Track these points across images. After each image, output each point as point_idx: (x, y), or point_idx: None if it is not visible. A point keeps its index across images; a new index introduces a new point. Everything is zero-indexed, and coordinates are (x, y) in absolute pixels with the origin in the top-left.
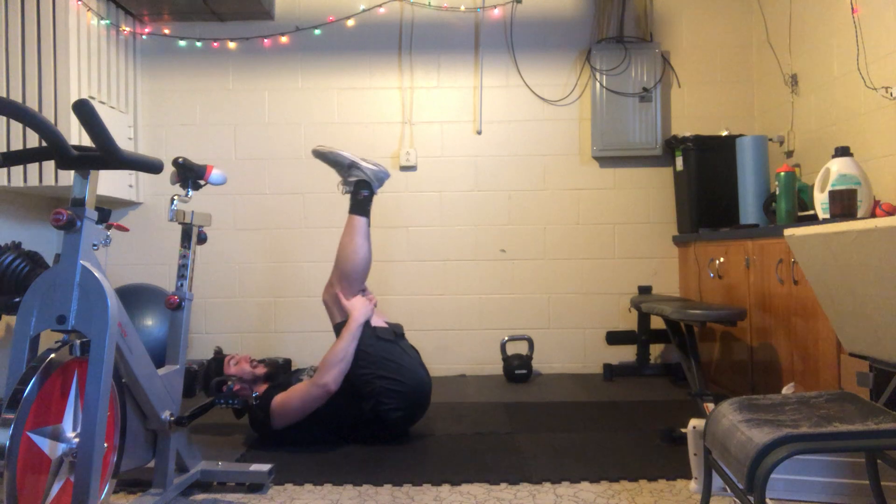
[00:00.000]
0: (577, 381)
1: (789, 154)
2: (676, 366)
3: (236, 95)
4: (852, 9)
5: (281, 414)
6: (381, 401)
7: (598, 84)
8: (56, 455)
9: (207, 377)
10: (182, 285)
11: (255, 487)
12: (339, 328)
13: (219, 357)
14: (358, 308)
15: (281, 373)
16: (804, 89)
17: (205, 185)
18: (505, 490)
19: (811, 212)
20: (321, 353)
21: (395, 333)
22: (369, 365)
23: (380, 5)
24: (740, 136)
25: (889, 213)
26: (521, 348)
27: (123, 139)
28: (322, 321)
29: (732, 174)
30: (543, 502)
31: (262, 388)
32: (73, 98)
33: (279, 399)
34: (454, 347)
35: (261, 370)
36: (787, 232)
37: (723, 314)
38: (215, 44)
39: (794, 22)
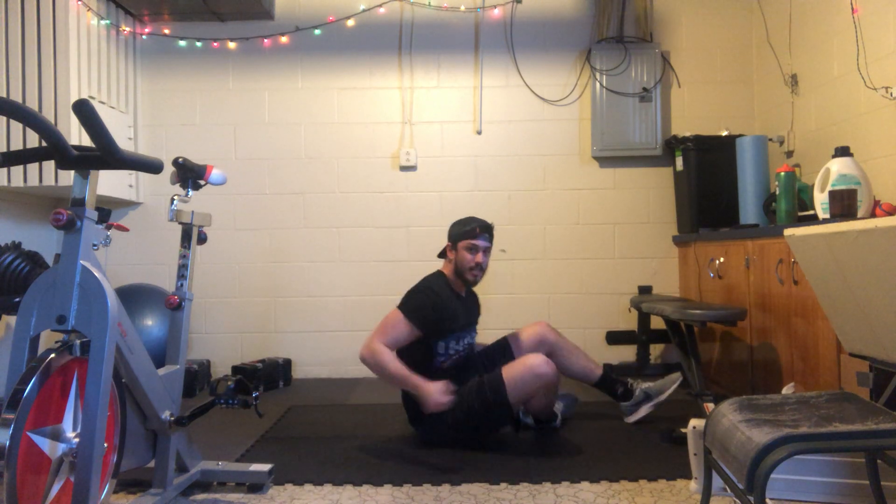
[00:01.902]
0: (577, 381)
1: (789, 154)
2: (676, 366)
3: (236, 95)
4: (852, 9)
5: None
6: None
7: (598, 84)
8: (56, 455)
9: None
10: (182, 285)
11: (255, 487)
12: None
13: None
14: (433, 398)
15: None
16: (804, 89)
17: (205, 185)
18: (505, 490)
19: (811, 212)
20: (321, 353)
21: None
22: None
23: (380, 5)
24: (740, 136)
25: (889, 213)
26: None
27: (123, 139)
28: (322, 321)
29: (732, 174)
30: (543, 502)
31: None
32: (73, 98)
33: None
34: None
35: None
36: (787, 232)
37: (723, 314)
38: (215, 44)
39: (794, 22)
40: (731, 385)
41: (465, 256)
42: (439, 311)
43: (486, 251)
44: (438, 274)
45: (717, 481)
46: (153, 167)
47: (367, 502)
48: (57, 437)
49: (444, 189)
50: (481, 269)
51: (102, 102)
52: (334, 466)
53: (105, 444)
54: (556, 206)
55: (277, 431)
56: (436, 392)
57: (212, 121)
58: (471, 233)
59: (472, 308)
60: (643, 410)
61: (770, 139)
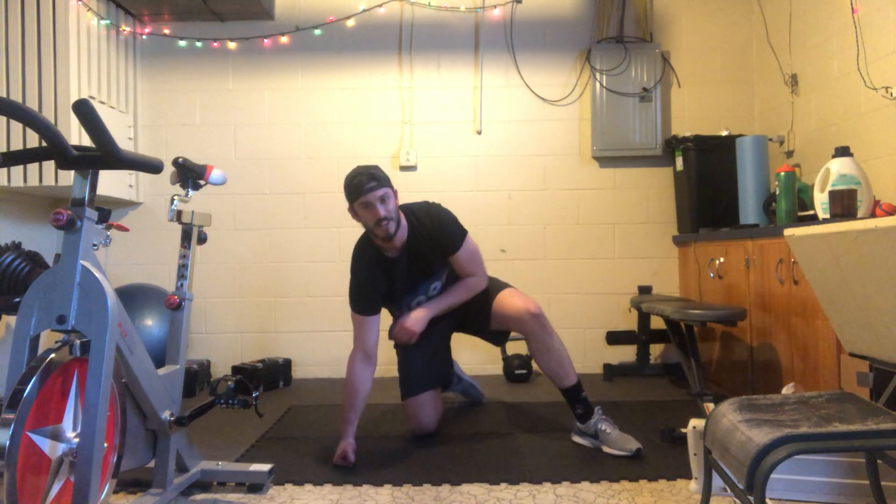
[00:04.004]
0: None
1: (789, 154)
2: (676, 366)
3: (236, 95)
4: (852, 9)
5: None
6: None
7: (598, 84)
8: (56, 455)
9: None
10: (182, 285)
11: (255, 487)
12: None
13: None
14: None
15: None
16: (804, 89)
17: (205, 185)
18: (505, 490)
19: (811, 212)
20: (321, 353)
21: None
22: None
23: (380, 5)
24: (740, 136)
25: (889, 213)
26: (521, 348)
27: (123, 139)
28: (322, 321)
29: (732, 174)
30: (543, 502)
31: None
32: (73, 98)
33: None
34: (454, 347)
35: None
36: (787, 232)
37: (723, 314)
38: (215, 44)
39: (794, 22)
40: (731, 385)
41: (363, 216)
42: (371, 290)
43: (383, 199)
44: (365, 237)
45: (717, 481)
46: (153, 167)
47: (367, 502)
48: (57, 437)
49: (444, 189)
50: (387, 219)
51: (102, 102)
52: (334, 466)
53: (105, 444)
54: (556, 206)
55: (277, 431)
56: (339, 455)
57: (212, 121)
58: (355, 192)
59: (418, 263)
60: (586, 441)
61: (770, 139)
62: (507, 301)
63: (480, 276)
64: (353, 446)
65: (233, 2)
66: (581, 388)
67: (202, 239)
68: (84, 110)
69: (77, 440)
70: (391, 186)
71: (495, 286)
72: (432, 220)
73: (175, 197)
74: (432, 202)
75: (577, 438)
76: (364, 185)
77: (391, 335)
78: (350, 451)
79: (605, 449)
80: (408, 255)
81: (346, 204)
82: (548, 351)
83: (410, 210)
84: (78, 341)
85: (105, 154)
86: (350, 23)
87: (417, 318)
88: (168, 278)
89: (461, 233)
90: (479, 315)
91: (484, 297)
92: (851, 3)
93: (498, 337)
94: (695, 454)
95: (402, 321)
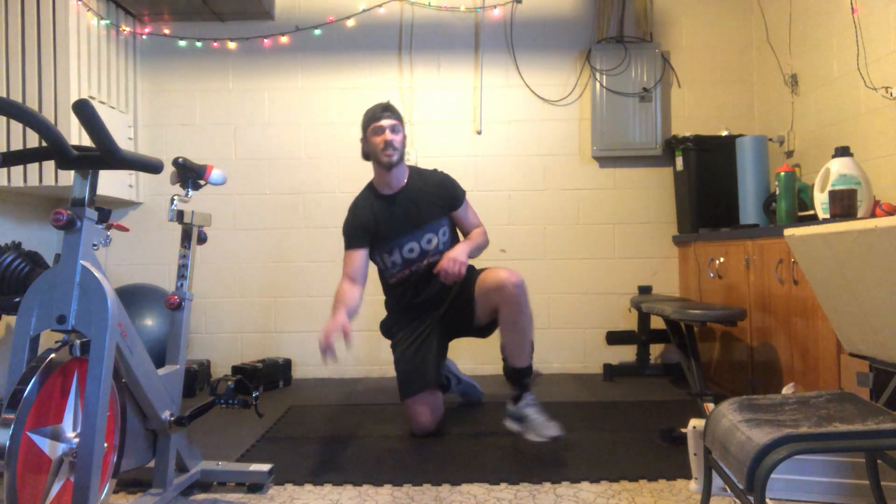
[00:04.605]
0: (577, 381)
1: (789, 154)
2: (676, 366)
3: (236, 95)
4: (852, 9)
5: None
6: None
7: (598, 84)
8: (56, 455)
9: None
10: (182, 285)
11: (255, 487)
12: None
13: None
14: (323, 333)
15: None
16: (804, 89)
17: (205, 185)
18: (505, 490)
19: (811, 212)
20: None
21: None
22: None
23: (380, 5)
24: (740, 136)
25: (889, 213)
26: None
27: (123, 139)
28: (322, 321)
29: (732, 174)
30: (543, 502)
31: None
32: (73, 98)
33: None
34: (454, 347)
35: None
36: (787, 232)
37: (723, 314)
38: (215, 44)
39: (794, 22)
40: (731, 385)
41: (372, 143)
42: (359, 223)
43: (394, 129)
44: (367, 185)
45: (717, 481)
46: (153, 167)
47: (367, 502)
48: (57, 437)
49: None
50: (393, 146)
51: (102, 102)
52: (334, 466)
53: (105, 444)
54: (556, 206)
55: (277, 431)
56: (325, 331)
57: (212, 121)
58: (371, 116)
59: (414, 207)
60: (512, 425)
61: (770, 139)
62: (490, 272)
63: (483, 228)
64: (346, 326)
65: (233, 2)
66: (528, 373)
67: (202, 239)
68: (84, 110)
69: (77, 440)
70: (403, 125)
71: (479, 270)
72: (435, 175)
73: (175, 197)
74: None
75: (508, 423)
76: (379, 112)
77: (439, 272)
78: (339, 331)
79: (528, 436)
80: (405, 199)
81: (347, 203)
82: (514, 325)
83: (416, 168)
84: (78, 341)
85: (105, 154)
86: (350, 23)
87: (461, 250)
88: (168, 278)
89: (463, 190)
90: (466, 307)
91: (468, 284)
92: (851, 3)
93: (483, 332)
94: (695, 454)
95: (449, 253)
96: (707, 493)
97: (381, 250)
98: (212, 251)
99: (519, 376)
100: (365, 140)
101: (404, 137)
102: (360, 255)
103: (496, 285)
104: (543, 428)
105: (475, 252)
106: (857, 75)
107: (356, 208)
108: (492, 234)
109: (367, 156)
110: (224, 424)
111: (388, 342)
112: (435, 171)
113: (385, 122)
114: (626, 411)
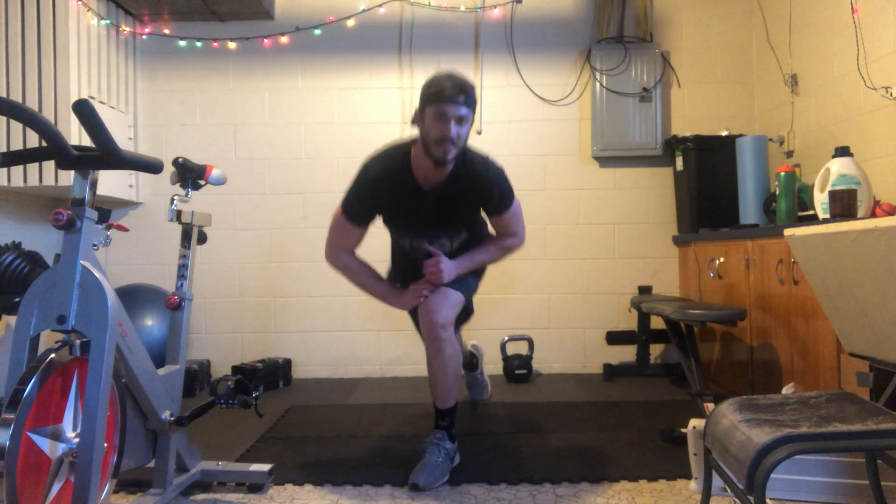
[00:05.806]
0: (577, 382)
1: (789, 154)
2: (676, 366)
3: (236, 95)
4: (852, 9)
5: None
6: None
7: (598, 84)
8: (56, 455)
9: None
10: (182, 285)
11: (255, 487)
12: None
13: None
14: (398, 306)
15: None
16: (804, 89)
17: (205, 185)
18: (505, 490)
19: (811, 212)
20: (321, 353)
21: None
22: None
23: (380, 5)
24: (740, 136)
25: (889, 213)
26: (521, 348)
27: (123, 139)
28: (322, 321)
29: (732, 174)
30: (543, 502)
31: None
32: (73, 98)
33: None
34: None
35: None
36: (787, 232)
37: (723, 314)
38: (215, 44)
39: (794, 22)
40: (731, 385)
41: (431, 126)
42: (373, 204)
43: (462, 120)
44: (402, 149)
45: (717, 481)
46: (153, 167)
47: (366, 502)
48: (57, 437)
49: None
50: (453, 143)
51: (102, 102)
52: (334, 466)
53: (105, 444)
54: (556, 206)
55: (277, 431)
56: (398, 302)
57: (212, 121)
58: (438, 95)
59: (446, 211)
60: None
61: (770, 139)
62: (428, 303)
63: (521, 237)
64: (416, 287)
65: (233, 2)
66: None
67: (202, 239)
68: (84, 110)
69: (77, 440)
70: (474, 113)
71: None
72: (487, 173)
73: (175, 197)
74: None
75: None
76: (450, 92)
77: (425, 268)
78: (421, 289)
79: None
80: (441, 197)
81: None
82: (429, 364)
83: (468, 153)
84: (78, 341)
85: (105, 154)
86: (350, 23)
87: (455, 268)
88: (168, 278)
89: (512, 197)
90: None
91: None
92: (851, 3)
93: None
94: (695, 454)
95: (440, 262)
96: (707, 493)
97: (404, 236)
98: (212, 251)
99: (439, 415)
100: (418, 118)
101: (470, 128)
102: (360, 233)
103: (423, 321)
104: (420, 470)
105: (473, 269)
106: (857, 75)
107: (376, 184)
108: None
109: (416, 127)
110: (224, 424)
111: (389, 342)
112: (488, 163)
113: (454, 110)
114: (626, 411)
